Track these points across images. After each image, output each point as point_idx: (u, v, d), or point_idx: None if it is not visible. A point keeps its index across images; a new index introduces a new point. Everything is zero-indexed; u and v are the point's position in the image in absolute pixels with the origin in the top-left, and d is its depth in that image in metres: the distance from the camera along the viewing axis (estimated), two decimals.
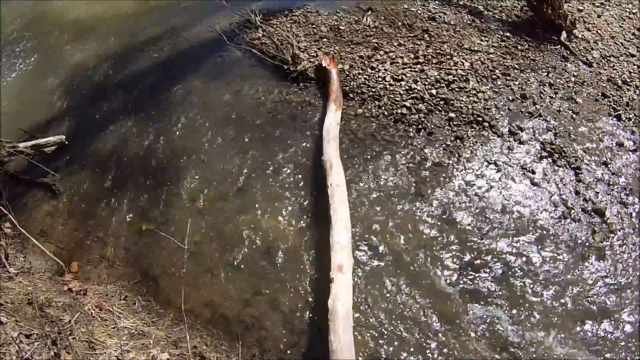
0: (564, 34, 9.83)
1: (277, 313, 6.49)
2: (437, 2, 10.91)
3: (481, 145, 7.88)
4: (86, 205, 7.93)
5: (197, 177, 7.86)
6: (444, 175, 7.56)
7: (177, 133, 8.48)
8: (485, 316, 6.31)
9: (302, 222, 7.21)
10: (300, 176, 7.66)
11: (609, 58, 9.61)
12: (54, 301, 6.37)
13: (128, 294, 6.92)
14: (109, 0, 11.75)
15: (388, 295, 6.51)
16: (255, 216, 7.31)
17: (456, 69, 8.89)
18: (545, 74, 9.07)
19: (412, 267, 6.72)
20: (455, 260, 6.77)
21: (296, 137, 8.14)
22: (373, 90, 8.61)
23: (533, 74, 9.04)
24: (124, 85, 9.62)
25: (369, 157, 7.79)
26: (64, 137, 8.61)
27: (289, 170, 7.74)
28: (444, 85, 8.63)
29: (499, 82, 8.79)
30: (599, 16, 10.70)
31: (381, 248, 6.91)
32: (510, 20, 10.42)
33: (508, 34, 9.96)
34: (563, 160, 7.73)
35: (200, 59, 9.76)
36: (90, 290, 6.87)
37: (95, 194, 8.02)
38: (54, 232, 7.72)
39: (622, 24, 10.57)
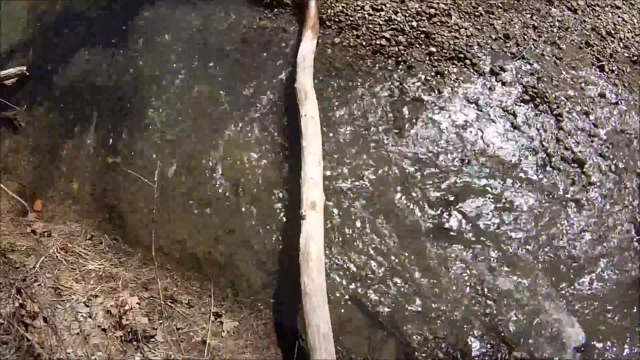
0: None
1: (249, 252, 6.17)
2: None
3: (462, 82, 7.42)
4: (50, 139, 7.47)
5: (164, 107, 7.38)
6: (423, 111, 7.12)
7: (144, 61, 7.92)
8: (459, 258, 6.01)
9: (274, 155, 6.81)
10: (273, 106, 7.20)
11: (594, 7, 9.10)
12: (18, 245, 5.90)
13: (94, 233, 6.54)
14: None
15: (361, 233, 6.17)
16: (225, 148, 6.89)
17: (438, 3, 8.32)
18: (529, 15, 8.58)
19: (386, 205, 6.37)
20: (430, 199, 6.42)
21: (269, 66, 7.62)
22: (351, 19, 8.04)
23: (517, 14, 8.54)
24: (88, 14, 8.86)
25: (345, 88, 7.33)
26: (25, 68, 8.05)
27: (261, 100, 7.27)
28: (425, 18, 8.08)
29: (481, 20, 8.28)
30: None
31: (355, 184, 6.52)
32: None
33: None
34: (545, 105, 7.34)
35: None
36: (54, 231, 6.42)
37: (59, 127, 7.54)
38: (17, 168, 7.33)
39: None
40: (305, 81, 6.83)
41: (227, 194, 6.55)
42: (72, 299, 5.37)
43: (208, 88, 7.43)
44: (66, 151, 7.24)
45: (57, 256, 5.93)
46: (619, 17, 8.99)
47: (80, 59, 8.16)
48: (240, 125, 7.04)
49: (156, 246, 6.11)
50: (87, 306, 5.32)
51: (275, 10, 8.29)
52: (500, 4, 8.59)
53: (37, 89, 7.96)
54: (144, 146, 7.04)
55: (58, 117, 7.59)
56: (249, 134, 6.95)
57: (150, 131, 7.16)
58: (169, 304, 5.63)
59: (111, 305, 5.38)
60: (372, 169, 6.60)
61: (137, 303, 5.48)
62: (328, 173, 6.50)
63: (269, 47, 7.83)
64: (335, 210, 6.31)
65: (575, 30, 8.49)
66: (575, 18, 8.73)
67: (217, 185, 6.62)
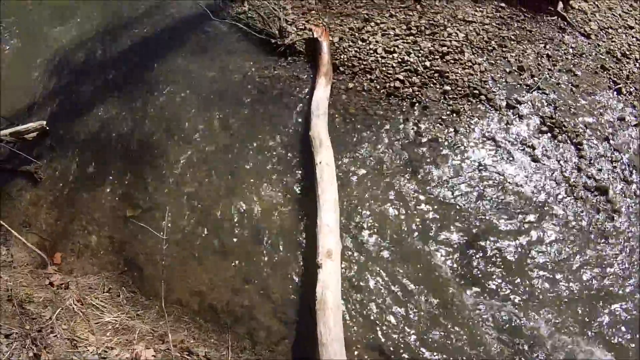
0: (560, 5, 9.15)
1: (267, 302, 5.98)
2: None
3: (478, 119, 7.27)
4: (69, 192, 7.33)
5: (182, 158, 7.27)
6: (440, 151, 6.96)
7: (161, 113, 7.84)
8: (485, 301, 5.76)
9: (291, 203, 6.65)
10: (289, 154, 7.07)
11: (607, 30, 8.96)
12: (35, 296, 5.82)
13: (112, 286, 6.38)
14: None
15: (381, 280, 5.95)
16: (243, 198, 6.76)
17: (450, 41, 8.21)
18: (543, 45, 8.44)
19: (407, 250, 6.16)
20: (453, 242, 6.22)
21: (285, 114, 7.52)
22: (364, 63, 7.94)
23: (530, 45, 8.40)
24: (107, 65, 8.87)
25: (361, 132, 7.20)
26: (44, 122, 7.89)
27: (277, 149, 7.16)
28: (438, 57, 7.97)
29: (495, 54, 8.14)
30: None
31: (373, 230, 6.33)
32: None
33: (503, 4, 9.23)
34: (564, 135, 7.15)
35: (184, 35, 9.05)
36: (72, 283, 6.29)
37: (78, 180, 7.41)
38: (37, 221, 7.15)
39: None
40: (319, 129, 6.73)
41: (245, 244, 6.41)
42: (88, 350, 5.25)
43: (225, 138, 7.35)
44: (85, 204, 7.13)
45: (73, 308, 5.81)
46: (632, 37, 8.81)
47: (99, 112, 8.10)
48: (257, 174, 6.93)
49: (174, 298, 6.04)
50: (103, 358, 5.21)
51: (289, 58, 8.22)
52: (512, 37, 8.46)
53: (57, 143, 7.87)
54: (162, 198, 6.93)
55: (77, 170, 7.49)
56: (266, 183, 6.83)
57: (168, 183, 7.06)
58: (186, 356, 5.46)
59: (127, 358, 5.26)
60: (390, 213, 6.42)
61: (153, 355, 5.31)
62: (344, 219, 6.34)
63: (284, 95, 7.73)
64: (353, 256, 6.12)
65: (590, 55, 8.33)
66: (589, 43, 8.58)
67: (235, 236, 6.48)
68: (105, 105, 8.16)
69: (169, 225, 6.50)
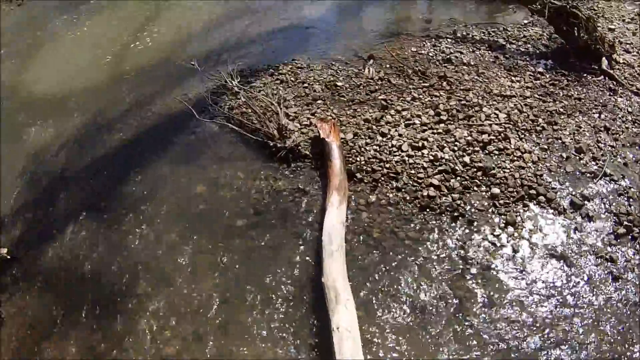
0: (604, 61, 7.70)
1: None
2: (449, 40, 8.69)
3: (540, 230, 5.48)
4: (33, 339, 5.70)
5: (163, 306, 5.53)
6: (495, 283, 5.12)
7: (139, 244, 6.18)
8: None
9: None
10: (297, 305, 5.22)
11: None
12: None
13: None
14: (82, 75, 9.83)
15: None
16: None
17: (490, 124, 6.56)
18: (597, 115, 6.91)
19: None
20: None
21: (289, 245, 5.72)
22: (387, 166, 6.16)
23: (583, 117, 6.86)
24: (84, 177, 7.37)
25: (390, 265, 5.32)
26: (5, 250, 6.52)
27: (281, 296, 5.31)
28: (478, 148, 6.28)
29: (545, 135, 6.56)
30: (634, 33, 8.58)
31: None
32: (538, 52, 8.26)
33: (540, 69, 7.78)
34: None
35: (170, 138, 7.54)
36: None
37: (44, 325, 5.77)
38: None
39: None
40: (334, 274, 4.81)
41: None
42: None
43: (215, 280, 5.67)
44: (51, 358, 5.52)
45: None
46: None
47: (69, 239, 6.56)
48: (255, 333, 5.14)
49: None
50: None
51: (293, 165, 6.50)
52: (561, 109, 6.94)
53: (23, 273, 6.39)
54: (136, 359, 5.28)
55: (42, 312, 5.92)
56: (268, 346, 5.02)
57: (145, 340, 5.37)
58: None
59: None
60: None
61: None
62: None
63: (287, 217, 5.99)
64: None
65: None
66: None
67: None
68: (79, 230, 6.62)
69: None
